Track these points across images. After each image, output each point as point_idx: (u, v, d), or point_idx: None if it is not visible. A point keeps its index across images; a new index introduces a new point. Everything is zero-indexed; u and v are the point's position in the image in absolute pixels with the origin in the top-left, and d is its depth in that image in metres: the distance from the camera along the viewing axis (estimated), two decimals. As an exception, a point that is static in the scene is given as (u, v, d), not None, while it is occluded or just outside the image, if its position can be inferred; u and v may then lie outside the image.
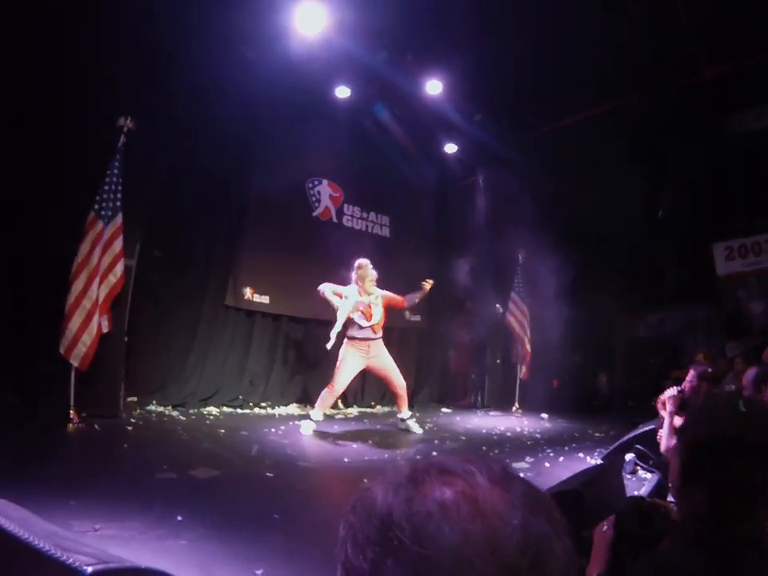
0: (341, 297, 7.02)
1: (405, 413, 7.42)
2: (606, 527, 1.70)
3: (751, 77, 8.69)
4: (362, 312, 7.08)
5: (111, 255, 6.02)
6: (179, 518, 3.43)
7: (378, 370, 7.32)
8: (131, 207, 6.25)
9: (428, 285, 7.40)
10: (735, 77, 8.84)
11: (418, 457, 5.95)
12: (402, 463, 0.56)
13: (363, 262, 7.25)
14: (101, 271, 5.87)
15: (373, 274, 7.20)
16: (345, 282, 7.40)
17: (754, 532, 1.16)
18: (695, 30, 8.11)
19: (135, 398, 6.95)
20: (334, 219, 9.83)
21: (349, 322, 7.04)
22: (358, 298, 7.09)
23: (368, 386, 9.52)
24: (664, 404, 6.19)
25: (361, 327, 7.06)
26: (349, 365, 7.04)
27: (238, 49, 7.51)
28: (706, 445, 1.22)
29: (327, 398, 6.98)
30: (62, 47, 5.88)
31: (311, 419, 6.80)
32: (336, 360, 7.17)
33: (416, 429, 7.37)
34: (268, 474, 4.72)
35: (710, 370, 6.44)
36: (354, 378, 7.38)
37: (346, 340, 7.14)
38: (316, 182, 9.61)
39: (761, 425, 1.22)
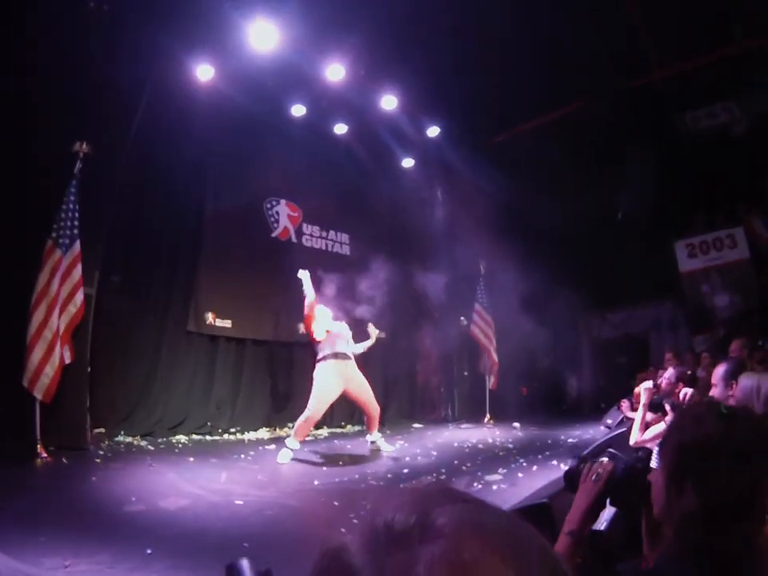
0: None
1: (374, 435, 7.33)
2: (594, 477, 1.70)
3: (701, 76, 8.95)
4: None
5: (71, 284, 5.92)
6: (149, 551, 3.37)
7: (353, 394, 7.08)
8: (89, 234, 6.16)
9: (374, 333, 7.50)
10: (686, 77, 9.09)
11: (389, 476, 5.94)
12: (382, 506, 0.49)
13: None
14: (60, 301, 5.76)
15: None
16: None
17: (750, 534, 1.17)
18: (645, 33, 8.33)
19: (103, 429, 6.82)
20: (294, 239, 9.81)
21: (323, 344, 6.98)
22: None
23: (337, 405, 9.41)
24: (632, 403, 6.32)
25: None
26: (326, 389, 6.77)
27: (191, 70, 7.50)
28: (692, 449, 1.23)
29: (304, 426, 6.66)
30: (17, 72, 5.80)
31: (288, 447, 6.45)
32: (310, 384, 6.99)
33: (386, 447, 7.32)
34: (237, 502, 4.65)
35: (689, 372, 6.60)
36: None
37: (320, 363, 6.94)
38: (274, 202, 9.59)
39: (744, 426, 1.24)
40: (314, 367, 9.02)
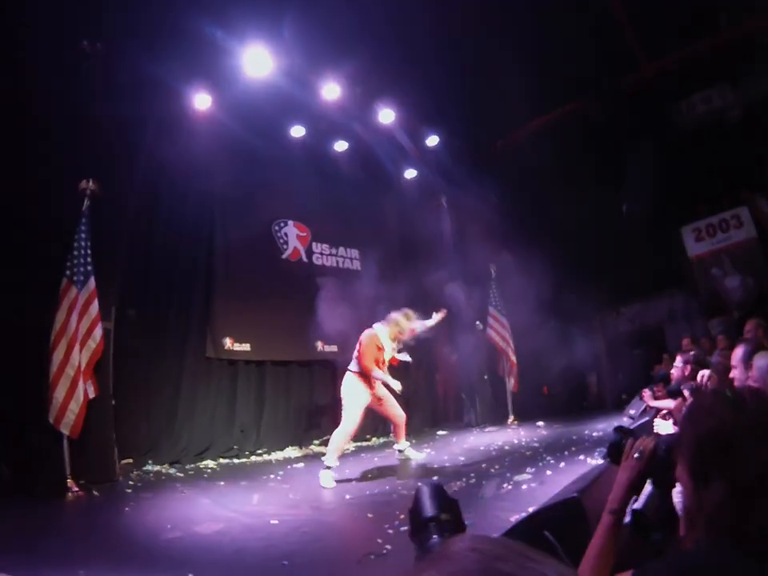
0: (380, 349, 6.79)
1: (402, 444, 7.28)
2: (636, 455, 1.73)
3: (691, 66, 8.98)
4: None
5: (89, 320, 5.98)
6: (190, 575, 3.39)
7: (378, 404, 6.93)
8: (103, 269, 6.23)
9: (441, 315, 7.54)
10: (676, 68, 9.13)
11: (419, 484, 5.90)
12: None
13: (412, 313, 7.16)
14: (80, 337, 5.83)
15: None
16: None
17: None
18: (633, 29, 8.38)
19: (131, 460, 6.86)
20: (304, 259, 9.87)
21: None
22: (390, 343, 6.94)
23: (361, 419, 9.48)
24: (653, 392, 6.31)
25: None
26: (358, 400, 6.60)
27: (189, 100, 7.59)
28: (709, 440, 1.24)
29: (341, 440, 6.45)
30: (19, 114, 5.89)
31: (327, 467, 6.19)
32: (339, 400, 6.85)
33: (415, 455, 7.30)
34: (272, 522, 4.66)
35: (692, 353, 6.59)
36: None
37: (350, 375, 6.74)
38: (282, 224, 9.65)
39: (754, 409, 1.25)
40: (335, 382, 9.08)
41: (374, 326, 6.96)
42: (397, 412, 7.08)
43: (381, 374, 6.62)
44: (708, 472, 1.22)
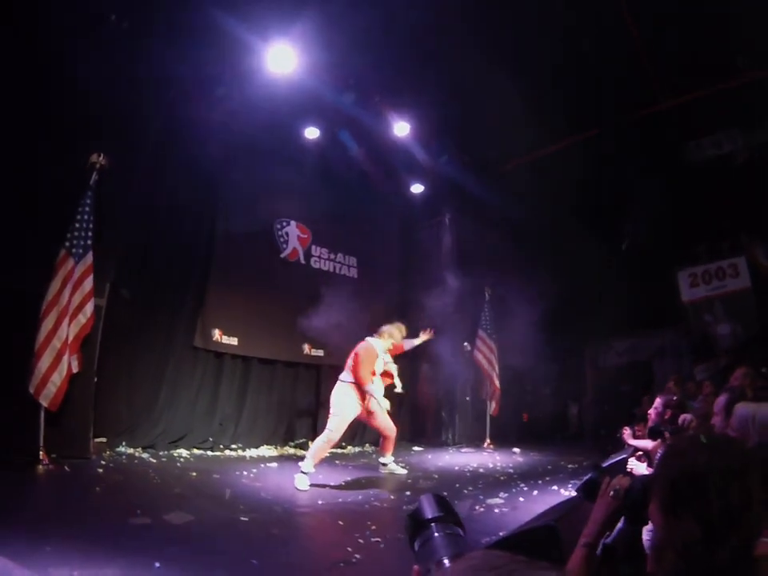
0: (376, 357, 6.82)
1: (387, 458, 7.23)
2: (612, 493, 1.78)
3: (706, 107, 9.07)
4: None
5: (81, 294, 5.95)
6: (157, 565, 3.35)
7: (368, 416, 6.87)
8: (101, 246, 6.21)
9: (427, 335, 7.59)
10: (691, 108, 9.21)
11: (391, 497, 5.91)
12: None
13: (404, 327, 7.22)
14: (71, 310, 5.80)
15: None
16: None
17: (748, 543, 1.24)
18: (650, 64, 8.46)
19: (105, 440, 6.80)
20: (302, 260, 9.86)
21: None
22: (384, 356, 6.97)
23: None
24: (634, 431, 6.35)
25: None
26: (348, 411, 6.53)
27: (208, 91, 7.59)
28: (681, 482, 1.28)
29: (324, 447, 6.42)
30: (37, 84, 5.88)
31: (303, 472, 6.11)
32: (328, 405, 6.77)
33: (399, 471, 7.24)
34: (243, 519, 4.63)
35: (674, 398, 6.62)
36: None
37: (344, 385, 6.66)
38: (284, 223, 9.65)
39: (725, 451, 1.30)
40: (318, 386, 9.05)
41: (367, 339, 6.94)
42: (387, 425, 7.04)
43: (373, 390, 6.61)
44: (679, 510, 1.26)
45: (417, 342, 7.52)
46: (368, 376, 6.60)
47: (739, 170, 9.96)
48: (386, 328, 7.04)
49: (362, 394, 6.63)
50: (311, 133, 9.11)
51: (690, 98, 9.15)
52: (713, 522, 1.21)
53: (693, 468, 1.27)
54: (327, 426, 6.54)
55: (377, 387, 6.77)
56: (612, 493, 1.78)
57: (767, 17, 7.21)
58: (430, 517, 1.16)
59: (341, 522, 4.78)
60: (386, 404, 6.85)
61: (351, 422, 6.78)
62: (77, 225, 5.95)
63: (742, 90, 8.71)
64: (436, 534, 1.12)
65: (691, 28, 7.65)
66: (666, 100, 9.25)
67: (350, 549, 3.92)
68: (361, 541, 4.13)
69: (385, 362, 6.98)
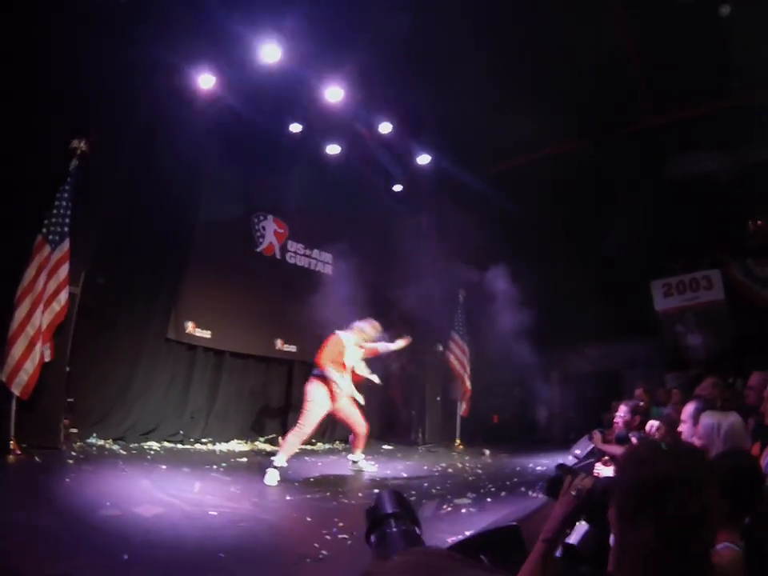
0: (341, 353, 6.83)
1: (357, 455, 7.30)
2: (574, 493, 1.83)
3: (688, 126, 9.24)
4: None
5: (56, 282, 5.88)
6: (125, 557, 3.37)
7: (342, 412, 6.98)
8: (78, 233, 6.14)
9: (405, 341, 7.49)
10: (673, 126, 9.37)
11: (359, 494, 5.96)
12: None
13: (378, 325, 7.21)
14: (45, 298, 5.74)
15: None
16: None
17: (702, 554, 1.28)
18: (643, 80, 8.61)
19: (75, 430, 6.73)
20: (278, 255, 9.84)
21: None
22: (354, 350, 7.00)
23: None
24: (604, 435, 6.45)
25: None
26: (319, 406, 6.61)
27: (190, 82, 7.56)
28: (639, 484, 1.31)
29: (295, 442, 6.48)
30: (18, 66, 5.82)
31: (275, 466, 6.14)
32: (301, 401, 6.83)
33: (368, 468, 7.31)
34: (211, 513, 4.64)
35: (641, 403, 6.76)
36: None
37: (316, 380, 6.73)
38: (262, 217, 9.62)
39: (685, 459, 1.33)
40: (291, 382, 9.03)
41: (336, 332, 6.99)
42: (358, 421, 7.11)
43: (335, 376, 6.63)
44: (636, 515, 1.29)
45: (393, 347, 7.50)
46: (326, 360, 6.64)
47: (718, 188, 10.18)
48: (357, 323, 7.10)
49: (332, 388, 6.68)
50: (295, 128, 9.10)
51: (679, 115, 9.32)
52: (669, 530, 1.24)
53: (651, 475, 1.30)
54: (299, 421, 6.59)
55: (345, 381, 6.80)
56: (573, 492, 1.83)
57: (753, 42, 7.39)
58: (387, 512, 1.20)
59: (309, 519, 4.81)
60: (360, 398, 6.95)
61: (321, 419, 6.83)
62: (54, 211, 5.88)
63: (727, 111, 8.91)
64: (393, 530, 1.16)
65: (682, 48, 7.83)
66: (653, 115, 9.41)
67: (316, 545, 3.96)
68: (328, 537, 4.18)
69: (358, 357, 7.03)
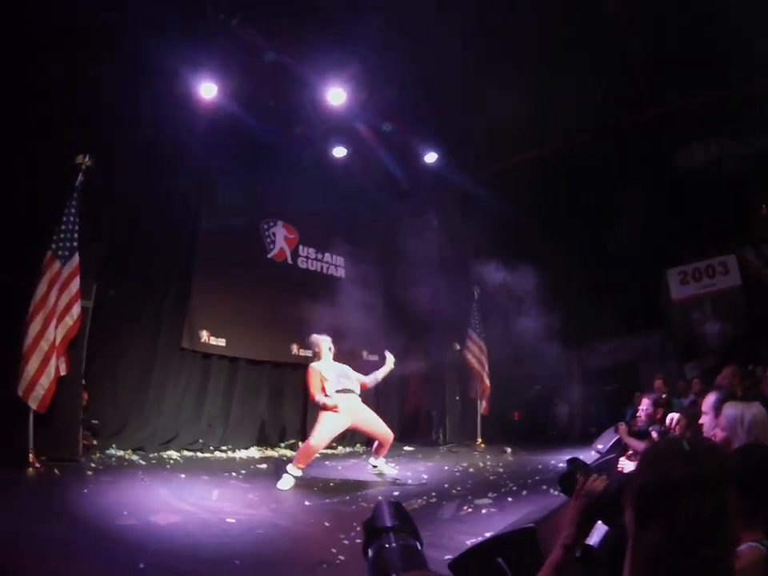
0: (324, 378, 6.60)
1: (378, 460, 7.16)
2: (584, 494, 1.76)
3: (695, 113, 9.12)
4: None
5: (68, 296, 5.93)
6: (141, 565, 3.36)
7: (363, 426, 6.84)
8: (87, 247, 6.20)
9: (391, 360, 7.18)
10: (679, 113, 9.27)
11: (379, 498, 5.91)
12: None
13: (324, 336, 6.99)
14: (58, 312, 5.80)
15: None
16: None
17: (718, 559, 1.21)
18: (643, 71, 8.51)
19: (95, 442, 6.79)
20: (289, 261, 9.86)
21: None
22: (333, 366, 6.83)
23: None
24: (630, 427, 6.34)
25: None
26: (333, 422, 6.43)
27: (195, 87, 7.59)
28: (654, 486, 1.26)
29: (306, 454, 6.34)
30: (23, 83, 5.87)
31: (289, 474, 6.11)
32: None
33: (389, 471, 7.19)
34: (229, 520, 4.63)
35: (663, 396, 6.64)
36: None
37: (321, 411, 6.54)
38: (271, 223, 9.63)
39: (702, 461, 1.27)
40: (307, 387, 8.98)
41: (310, 365, 6.76)
42: (383, 432, 6.94)
43: (330, 402, 6.38)
44: (648, 518, 1.25)
45: (381, 375, 7.16)
46: (317, 391, 6.45)
47: (729, 176, 10.04)
48: (313, 346, 6.96)
49: (348, 403, 6.54)
50: (300, 132, 9.10)
51: (681, 106, 9.21)
52: (681, 534, 1.20)
53: (666, 476, 1.26)
54: (311, 434, 6.48)
55: (344, 399, 6.52)
56: (584, 493, 1.77)
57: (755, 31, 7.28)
58: (386, 525, 1.14)
59: (326, 524, 4.78)
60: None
61: (338, 433, 6.76)
62: (63, 227, 5.93)
63: (734, 102, 8.80)
64: (391, 545, 1.10)
65: (681, 39, 7.73)
66: (655, 106, 9.31)
67: (333, 550, 3.93)
68: (346, 542, 4.14)
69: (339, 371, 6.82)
